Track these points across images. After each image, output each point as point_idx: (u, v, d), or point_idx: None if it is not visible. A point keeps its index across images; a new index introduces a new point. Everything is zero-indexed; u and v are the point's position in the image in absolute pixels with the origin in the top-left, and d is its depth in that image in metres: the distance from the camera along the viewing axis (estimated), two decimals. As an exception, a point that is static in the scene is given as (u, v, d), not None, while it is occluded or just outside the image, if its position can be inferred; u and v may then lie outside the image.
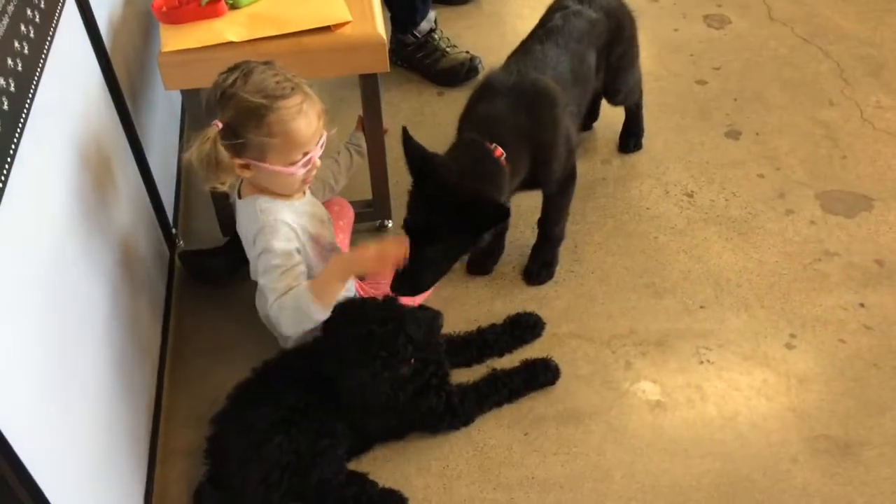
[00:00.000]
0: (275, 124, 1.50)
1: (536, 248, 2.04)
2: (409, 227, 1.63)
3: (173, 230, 2.09)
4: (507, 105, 1.75)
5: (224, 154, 1.49)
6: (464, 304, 1.99)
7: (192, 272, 2.05)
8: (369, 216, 2.16)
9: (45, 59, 1.35)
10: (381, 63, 1.77)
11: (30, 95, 1.26)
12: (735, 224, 2.16)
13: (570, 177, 1.93)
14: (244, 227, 1.67)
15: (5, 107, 1.16)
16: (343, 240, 1.98)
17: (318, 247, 1.72)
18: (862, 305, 1.94)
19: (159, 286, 1.95)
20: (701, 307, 1.96)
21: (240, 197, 1.68)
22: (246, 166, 1.55)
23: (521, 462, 1.68)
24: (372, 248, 1.62)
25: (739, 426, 1.72)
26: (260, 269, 1.62)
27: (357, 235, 2.13)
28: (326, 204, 2.02)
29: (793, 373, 1.81)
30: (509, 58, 1.91)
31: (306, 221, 1.68)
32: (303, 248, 1.66)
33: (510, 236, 2.09)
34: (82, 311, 1.42)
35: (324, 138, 1.61)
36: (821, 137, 2.39)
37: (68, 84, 1.51)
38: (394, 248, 1.60)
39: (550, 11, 2.00)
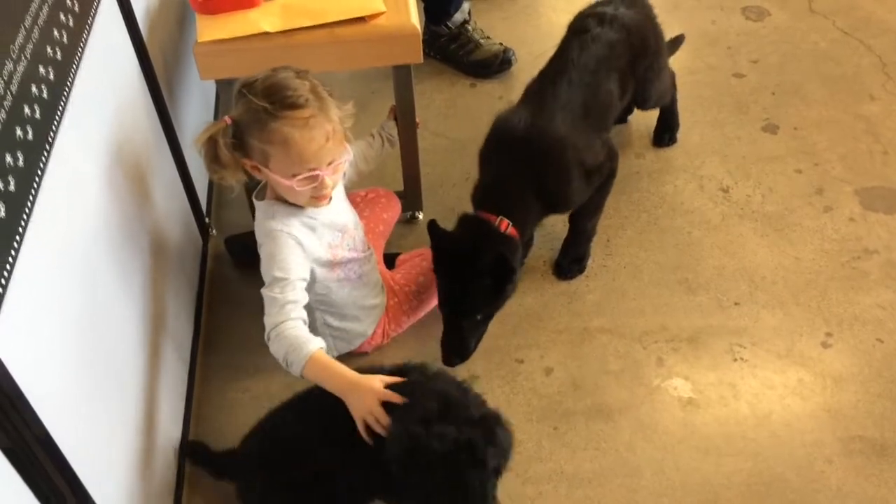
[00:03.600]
0: (275, 133, 1.46)
1: (568, 243, 2.03)
2: (442, 304, 1.75)
3: (207, 220, 2.11)
4: (513, 165, 1.78)
5: (224, 151, 1.48)
6: (494, 297, 1.99)
7: (236, 256, 2.06)
8: (401, 207, 2.16)
9: (83, 49, 1.37)
10: (414, 54, 1.76)
11: (68, 85, 1.28)
12: (771, 220, 2.12)
13: (608, 177, 1.92)
14: (257, 230, 1.64)
15: (45, 95, 1.18)
16: (379, 237, 1.98)
17: (333, 259, 1.67)
18: (901, 305, 1.90)
19: (193, 276, 1.97)
20: (735, 304, 1.93)
21: (258, 198, 1.66)
22: (255, 167, 1.54)
23: (550, 457, 1.67)
24: (364, 400, 1.33)
25: (773, 425, 1.70)
26: (264, 277, 1.56)
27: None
28: (373, 195, 2.03)
29: (828, 372, 1.78)
30: (523, 96, 1.91)
31: (319, 237, 1.63)
32: (310, 267, 1.62)
33: (541, 229, 2.07)
34: (117, 301, 1.44)
35: (338, 162, 1.55)
36: (861, 132, 2.34)
37: (106, 74, 1.52)
38: (365, 412, 1.32)
39: (571, 33, 1.96)
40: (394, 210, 2.07)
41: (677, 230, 2.12)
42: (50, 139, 1.19)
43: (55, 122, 1.21)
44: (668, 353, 1.85)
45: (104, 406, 1.33)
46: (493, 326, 1.91)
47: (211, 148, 1.50)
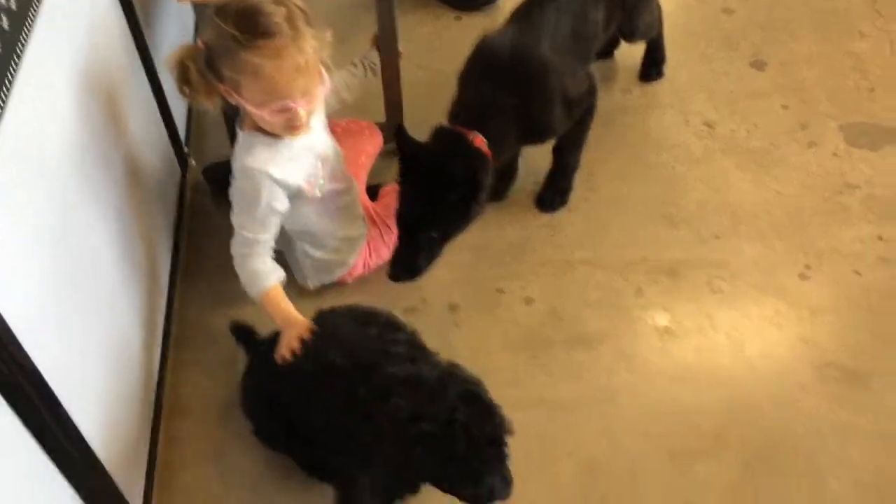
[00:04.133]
0: (244, 63, 1.42)
1: (551, 175, 2.01)
2: (399, 216, 1.68)
3: (185, 149, 2.09)
4: (497, 85, 1.72)
5: (195, 75, 1.45)
6: (476, 228, 1.95)
7: (214, 185, 2.03)
8: (383, 140, 2.14)
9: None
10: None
11: (35, 3, 1.25)
12: (755, 155, 2.11)
13: (587, 111, 1.89)
14: (234, 162, 1.61)
15: (13, 5, 1.14)
16: (361, 169, 1.97)
17: (311, 189, 1.66)
18: (880, 238, 1.90)
19: (170, 204, 1.95)
20: (716, 237, 1.93)
21: (240, 128, 1.63)
22: (228, 92, 1.49)
23: (529, 384, 1.69)
24: (290, 334, 1.49)
25: (749, 354, 1.71)
26: (234, 207, 1.60)
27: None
28: (356, 127, 2.00)
29: (806, 304, 1.79)
30: (509, 18, 1.86)
31: (298, 166, 1.61)
32: (286, 199, 1.61)
33: (523, 162, 2.06)
34: (90, 226, 1.42)
35: (313, 93, 1.51)
36: (849, 69, 2.32)
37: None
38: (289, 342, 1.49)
39: None
40: (376, 142, 2.05)
41: (661, 164, 2.11)
42: (18, 52, 1.15)
43: (23, 36, 1.18)
44: (648, 284, 1.85)
45: (80, 329, 1.32)
46: (474, 257, 1.92)
47: (182, 71, 1.47)
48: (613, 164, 2.10)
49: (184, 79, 1.47)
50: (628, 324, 1.78)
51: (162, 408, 1.65)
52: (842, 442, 1.56)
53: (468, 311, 1.82)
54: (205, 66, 1.46)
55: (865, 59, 2.35)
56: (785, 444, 1.57)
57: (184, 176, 2.06)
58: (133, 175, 1.66)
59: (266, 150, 1.57)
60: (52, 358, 1.14)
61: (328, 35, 1.51)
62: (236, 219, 1.59)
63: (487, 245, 1.94)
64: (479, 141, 1.67)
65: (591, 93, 1.89)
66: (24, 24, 1.19)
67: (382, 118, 2.10)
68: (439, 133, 1.71)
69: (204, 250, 1.96)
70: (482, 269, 1.89)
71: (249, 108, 1.50)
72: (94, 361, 1.37)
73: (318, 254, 1.80)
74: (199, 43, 1.46)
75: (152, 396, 1.62)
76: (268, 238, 1.60)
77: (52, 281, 1.22)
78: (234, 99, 1.51)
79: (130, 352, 1.54)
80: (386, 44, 1.91)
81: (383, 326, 1.44)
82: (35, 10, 1.24)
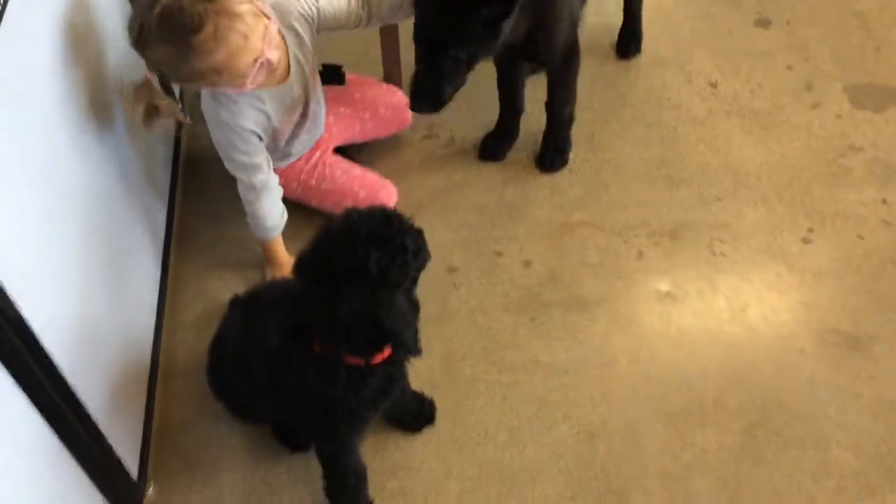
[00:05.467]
0: (197, 69, 1.39)
1: (547, 134, 1.98)
2: (420, 37, 1.52)
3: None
4: None
5: (165, 102, 1.49)
6: (475, 190, 1.95)
7: None
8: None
9: None
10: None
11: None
12: (758, 116, 2.08)
13: (572, 52, 1.82)
14: (207, 115, 1.61)
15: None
16: (356, 122, 1.93)
17: (278, 134, 1.69)
18: (884, 202, 1.88)
19: (165, 162, 1.91)
20: (718, 199, 1.91)
21: None
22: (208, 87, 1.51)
23: (526, 346, 1.67)
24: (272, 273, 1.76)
25: (749, 318, 1.70)
26: (228, 163, 1.65)
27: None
28: (359, 84, 1.95)
29: (807, 267, 1.77)
30: None
31: (273, 110, 1.61)
32: (265, 134, 1.63)
33: (525, 123, 2.02)
34: (83, 182, 1.39)
35: (272, 35, 1.46)
36: (855, 28, 2.28)
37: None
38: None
39: None
40: (394, 112, 1.96)
41: (663, 125, 2.07)
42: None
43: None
44: (649, 247, 1.83)
45: (72, 284, 1.29)
46: (473, 219, 1.89)
47: (149, 112, 1.50)
48: (615, 124, 2.07)
49: (151, 115, 1.51)
50: (628, 287, 1.76)
51: (158, 369, 1.63)
52: (842, 408, 1.56)
53: (467, 273, 1.79)
54: (164, 90, 1.48)
55: (871, 17, 2.30)
56: (785, 409, 1.56)
57: (179, 130, 2.01)
58: (124, 127, 1.62)
59: (238, 100, 1.55)
60: (39, 310, 1.11)
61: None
62: (228, 167, 1.65)
63: (486, 207, 1.91)
64: None
65: (576, 41, 1.82)
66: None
67: (380, 72, 2.06)
68: None
69: (199, 208, 1.93)
70: (481, 230, 1.87)
71: (234, 91, 1.50)
72: (88, 320, 1.34)
73: None
74: (147, 76, 1.46)
75: (147, 357, 1.60)
76: (259, 162, 1.63)
77: (39, 231, 1.19)
78: (216, 91, 1.52)
79: (123, 309, 1.52)
80: None
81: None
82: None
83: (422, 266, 1.20)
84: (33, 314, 1.08)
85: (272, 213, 1.69)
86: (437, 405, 1.57)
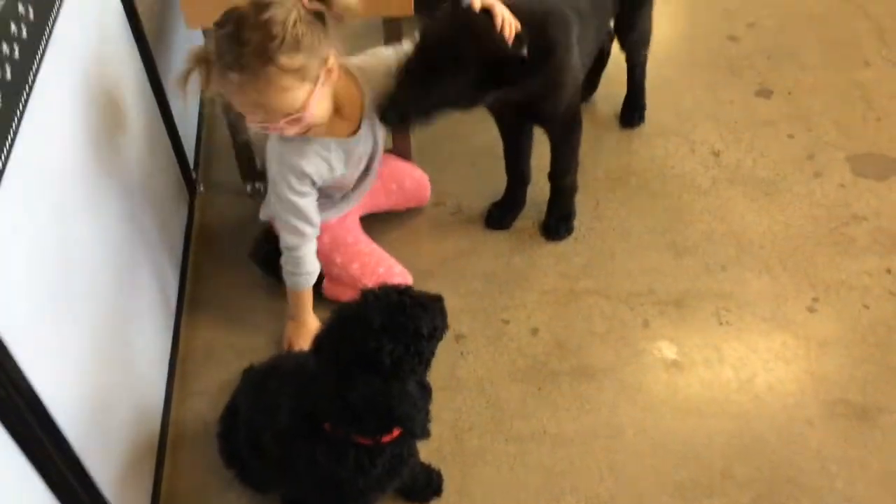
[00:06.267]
0: (216, 82, 1.46)
1: (552, 202, 2.01)
2: (410, 65, 1.52)
3: (194, 175, 2.09)
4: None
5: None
6: (481, 257, 1.98)
7: (262, 265, 1.93)
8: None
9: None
10: (405, 4, 1.73)
11: (49, 25, 1.25)
12: (762, 185, 2.11)
13: (574, 120, 1.87)
14: (269, 147, 1.66)
15: (24, 35, 1.15)
16: (381, 196, 1.98)
17: (338, 184, 1.74)
18: (888, 271, 1.90)
19: (178, 232, 1.95)
20: (722, 268, 1.93)
21: None
22: None
23: (534, 415, 1.68)
24: (293, 332, 1.77)
25: (756, 388, 1.70)
26: (275, 208, 1.68)
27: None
28: (411, 174, 2.02)
29: (813, 337, 1.78)
30: None
31: (337, 160, 1.67)
32: (322, 182, 1.69)
33: (531, 192, 2.06)
34: (96, 254, 1.42)
35: (294, 116, 1.48)
36: (855, 98, 2.32)
37: (88, 18, 1.49)
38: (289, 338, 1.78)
39: None
40: (417, 187, 2.04)
41: (667, 194, 2.11)
42: (29, 80, 1.16)
43: (35, 64, 1.18)
44: (655, 315, 1.84)
45: (79, 351, 1.31)
46: (480, 287, 1.92)
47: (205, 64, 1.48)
48: (619, 193, 2.10)
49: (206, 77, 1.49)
50: (634, 356, 1.77)
51: (167, 438, 1.64)
52: (850, 480, 1.55)
53: (474, 341, 1.81)
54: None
55: (871, 88, 2.35)
56: (792, 481, 1.55)
57: (192, 201, 2.06)
58: (140, 199, 1.66)
59: (294, 143, 1.61)
60: (43, 372, 1.12)
61: (299, 59, 1.43)
62: (277, 210, 1.68)
63: (494, 274, 1.94)
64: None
65: (578, 111, 1.87)
66: (35, 54, 1.20)
67: (389, 144, 2.11)
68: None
69: (211, 277, 1.96)
70: (488, 298, 1.89)
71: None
72: (98, 389, 1.36)
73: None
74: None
75: (157, 426, 1.62)
76: (308, 206, 1.66)
77: (50, 303, 1.21)
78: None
79: (133, 379, 1.54)
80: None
81: None
82: (48, 33, 1.24)
83: (438, 340, 1.21)
84: (43, 384, 1.10)
85: (314, 259, 1.71)
86: (444, 475, 1.57)
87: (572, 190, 2.00)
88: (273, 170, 1.66)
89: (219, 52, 1.43)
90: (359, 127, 1.69)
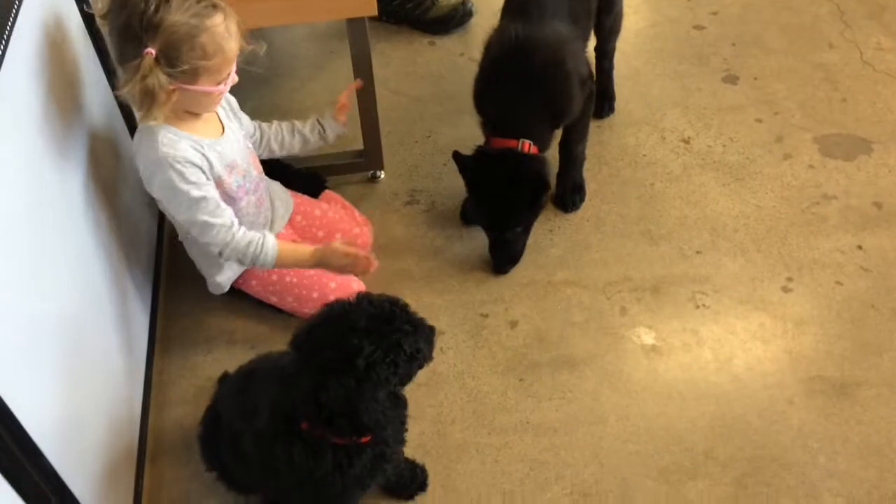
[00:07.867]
0: (209, 45, 1.42)
1: (563, 174, 2.04)
2: (483, 222, 1.91)
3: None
4: (519, 83, 1.79)
5: (164, 82, 1.41)
6: (457, 254, 1.98)
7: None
8: (361, 167, 2.13)
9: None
10: (368, 4, 1.72)
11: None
12: (732, 169, 2.13)
13: (589, 97, 1.94)
14: (142, 156, 1.54)
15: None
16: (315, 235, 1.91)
17: (220, 189, 1.60)
18: (860, 248, 1.91)
19: (150, 240, 1.93)
20: (697, 253, 1.94)
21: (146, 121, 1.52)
22: (173, 91, 1.45)
23: (516, 407, 1.68)
24: (350, 249, 1.61)
25: (735, 369, 1.71)
26: (178, 208, 1.55)
27: (349, 187, 2.12)
28: (350, 215, 1.96)
29: (789, 316, 1.80)
30: (505, 13, 1.90)
31: (214, 158, 1.58)
32: (211, 174, 1.58)
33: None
34: (66, 267, 1.40)
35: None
36: (820, 81, 2.35)
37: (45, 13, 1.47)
38: (363, 262, 1.63)
39: None
40: (361, 235, 1.93)
41: (639, 182, 2.11)
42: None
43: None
44: (632, 302, 1.85)
45: (56, 366, 1.29)
46: (457, 282, 1.91)
47: (154, 85, 1.41)
48: (592, 182, 2.11)
49: (154, 93, 1.41)
50: (613, 343, 1.77)
51: (146, 448, 1.62)
52: (832, 455, 1.56)
53: (454, 336, 1.81)
54: (166, 73, 1.42)
55: (835, 70, 2.38)
56: (775, 459, 1.56)
57: (161, 225, 2.03)
58: (108, 208, 1.64)
59: (178, 137, 1.53)
60: (19, 393, 1.11)
61: None
62: (180, 218, 1.57)
63: (470, 270, 1.93)
64: (527, 146, 1.82)
65: (591, 76, 1.94)
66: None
67: (360, 144, 2.10)
68: (491, 154, 1.84)
69: (186, 284, 1.93)
70: (465, 293, 1.89)
71: (203, 90, 1.48)
72: (69, 401, 1.34)
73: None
74: (150, 51, 1.39)
75: (135, 436, 1.59)
76: (210, 194, 1.55)
77: (22, 318, 1.20)
78: (185, 91, 1.46)
79: (109, 390, 1.52)
80: (361, 70, 1.91)
81: None
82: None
83: (419, 366, 1.21)
84: (16, 399, 1.08)
85: (251, 232, 1.59)
86: (429, 470, 1.56)
87: (583, 158, 2.05)
88: (156, 177, 1.52)
89: (190, 13, 1.40)
90: (223, 130, 1.64)
